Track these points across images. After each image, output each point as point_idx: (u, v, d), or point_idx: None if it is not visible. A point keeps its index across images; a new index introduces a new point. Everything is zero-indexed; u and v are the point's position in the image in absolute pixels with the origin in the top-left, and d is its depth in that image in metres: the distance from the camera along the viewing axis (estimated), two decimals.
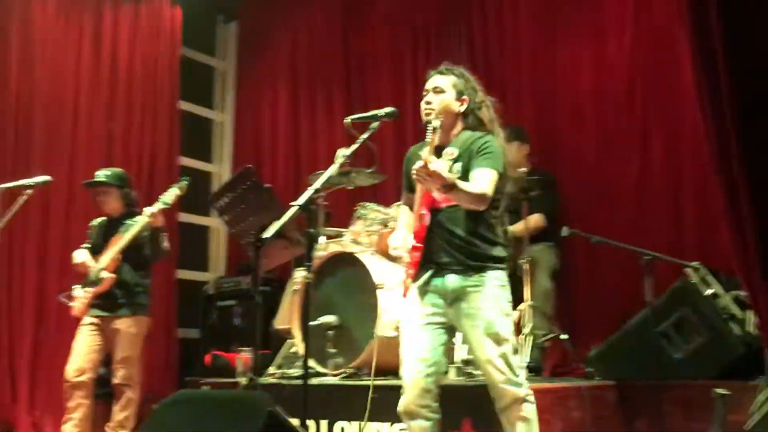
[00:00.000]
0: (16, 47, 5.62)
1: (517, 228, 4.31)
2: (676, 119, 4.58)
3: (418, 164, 2.57)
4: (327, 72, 6.49)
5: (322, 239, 4.67)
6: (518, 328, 4.07)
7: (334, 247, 4.46)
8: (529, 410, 2.87)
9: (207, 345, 6.15)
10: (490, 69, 5.36)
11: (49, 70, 5.78)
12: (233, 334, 6.01)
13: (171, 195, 4.26)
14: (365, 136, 2.85)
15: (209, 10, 7.35)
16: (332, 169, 2.71)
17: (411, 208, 3.03)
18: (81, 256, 4.46)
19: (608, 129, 4.84)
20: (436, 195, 2.83)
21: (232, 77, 7.46)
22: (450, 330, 2.94)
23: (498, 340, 2.81)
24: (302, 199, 2.53)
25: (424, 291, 2.94)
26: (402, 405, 2.94)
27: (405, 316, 2.99)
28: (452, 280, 2.86)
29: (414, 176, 2.64)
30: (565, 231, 4.15)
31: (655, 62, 4.65)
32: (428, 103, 2.95)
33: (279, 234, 2.73)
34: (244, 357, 4.61)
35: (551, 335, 4.21)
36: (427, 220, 2.91)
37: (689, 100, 4.34)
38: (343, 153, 2.79)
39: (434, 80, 3.00)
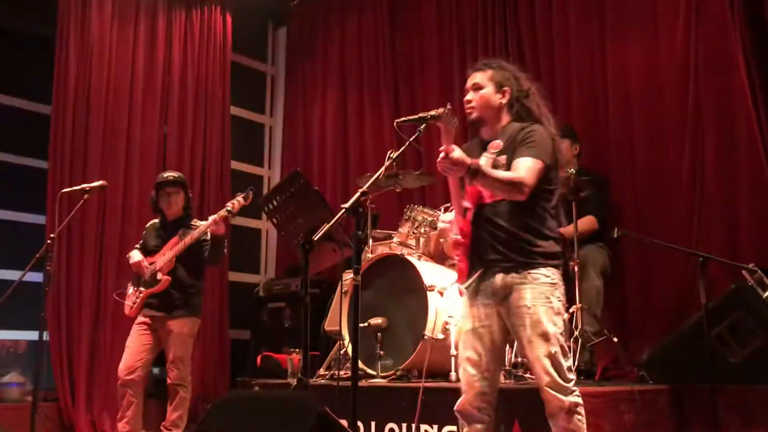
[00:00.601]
0: (74, 54, 5.82)
1: (568, 230, 4.25)
2: (729, 116, 4.45)
3: (440, 157, 2.57)
4: (375, 75, 6.53)
5: (370, 242, 4.72)
6: (569, 331, 4.03)
7: (383, 250, 4.49)
8: (575, 421, 2.75)
9: (258, 346, 6.24)
10: (538, 67, 5.31)
11: (106, 76, 5.97)
12: (283, 335, 6.09)
13: (235, 204, 4.35)
14: (412, 138, 2.85)
15: (260, 17, 7.48)
16: (379, 172, 2.72)
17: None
18: (136, 256, 4.59)
19: (660, 127, 4.74)
20: (480, 188, 2.80)
21: (281, 82, 7.58)
22: (505, 330, 2.87)
23: (546, 340, 2.74)
24: (350, 202, 2.55)
25: (474, 292, 2.91)
26: (458, 405, 2.94)
27: (459, 318, 2.98)
28: (500, 278, 2.82)
29: (439, 168, 2.63)
30: (616, 232, 4.08)
31: (707, 57, 4.52)
32: (468, 101, 2.93)
33: (327, 237, 2.76)
34: (294, 358, 4.68)
35: (602, 337, 4.14)
36: (471, 215, 2.89)
37: (743, 96, 4.25)
38: (391, 155, 2.80)
39: (473, 77, 2.97)
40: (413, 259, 4.09)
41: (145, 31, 6.30)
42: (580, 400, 2.79)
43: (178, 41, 6.50)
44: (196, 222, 4.61)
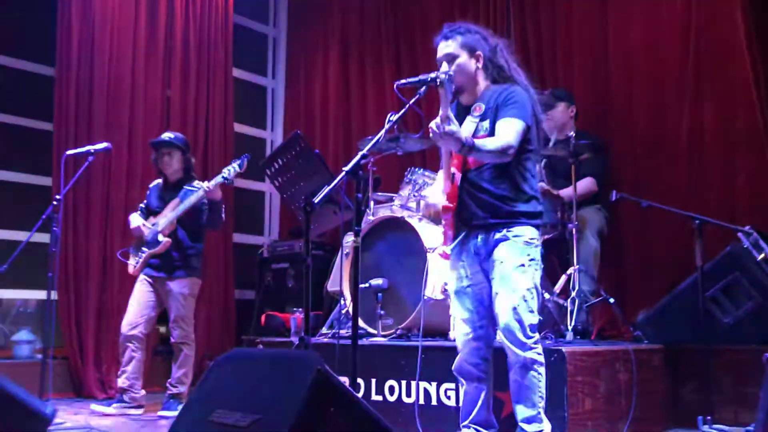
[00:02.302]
0: (76, 15, 5.79)
1: (567, 192, 4.29)
2: (729, 80, 4.47)
3: (432, 123, 2.62)
4: (376, 37, 6.52)
5: (371, 204, 4.77)
6: (566, 292, 4.10)
7: (384, 212, 4.54)
8: (530, 377, 2.83)
9: (262, 306, 6.36)
10: (540, 30, 5.32)
11: (108, 38, 5.95)
12: (287, 295, 6.20)
13: (231, 170, 4.43)
14: (413, 101, 2.88)
15: None
16: (379, 135, 2.76)
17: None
18: (136, 220, 4.67)
19: (660, 91, 4.76)
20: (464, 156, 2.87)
21: (283, 44, 7.55)
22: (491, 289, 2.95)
23: (512, 293, 2.81)
24: (350, 165, 2.60)
25: (459, 253, 3.00)
26: (455, 364, 3.04)
27: (449, 279, 3.06)
28: (482, 238, 2.92)
29: (429, 134, 2.69)
30: (614, 195, 4.13)
31: (708, 19, 4.53)
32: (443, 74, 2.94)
33: (328, 199, 2.82)
34: (297, 317, 4.78)
35: (599, 298, 4.22)
36: (458, 180, 2.95)
37: (742, 61, 4.26)
38: (391, 118, 2.84)
39: (443, 48, 3.00)
40: (413, 222, 4.15)
41: None
42: (540, 357, 2.87)
43: (180, 2, 6.48)
44: (197, 183, 4.66)
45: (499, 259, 2.87)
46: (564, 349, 3.38)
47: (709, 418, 3.52)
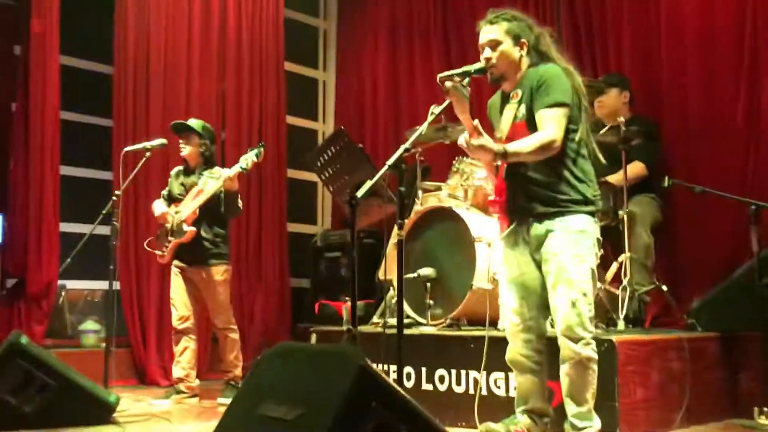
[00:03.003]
0: (132, 15, 5.97)
1: (616, 178, 4.23)
2: None
3: (461, 138, 2.61)
4: (425, 27, 6.52)
5: (419, 194, 4.80)
6: (618, 280, 4.06)
7: (432, 201, 4.57)
8: (585, 375, 2.79)
9: (316, 294, 6.48)
10: (590, 15, 5.24)
11: (163, 35, 6.12)
12: (340, 284, 6.29)
13: (248, 160, 4.45)
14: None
15: None
16: (423, 127, 2.78)
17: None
18: (160, 207, 4.74)
19: (714, 71, 4.62)
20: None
21: (333, 36, 7.62)
22: (543, 278, 2.93)
23: (569, 286, 2.77)
24: (392, 159, 2.63)
25: (511, 242, 2.99)
26: (507, 355, 3.05)
27: (500, 269, 3.07)
28: (534, 227, 2.89)
29: (463, 148, 2.67)
30: (666, 181, 4.06)
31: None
32: (488, 59, 2.91)
33: (373, 192, 2.87)
34: (349, 306, 4.85)
35: (651, 287, 4.15)
36: (503, 170, 2.93)
37: None
38: (434, 110, 2.85)
39: (486, 33, 2.95)
40: (461, 211, 4.17)
41: None
42: (594, 355, 2.83)
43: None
44: (217, 170, 4.66)
45: (554, 251, 2.83)
46: (615, 338, 3.36)
47: (766, 409, 3.45)
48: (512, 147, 2.74)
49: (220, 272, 4.67)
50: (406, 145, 2.68)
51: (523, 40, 2.95)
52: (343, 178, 2.86)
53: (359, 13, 7.23)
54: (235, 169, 4.47)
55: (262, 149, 4.54)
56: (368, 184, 2.51)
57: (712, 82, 4.66)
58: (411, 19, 6.67)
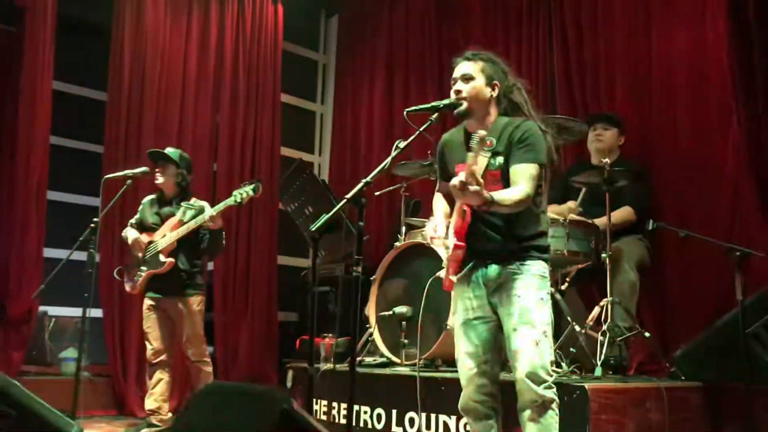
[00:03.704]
0: (128, 43, 6.01)
1: (601, 221, 4.14)
2: None
3: (457, 180, 2.53)
4: (420, 62, 6.52)
5: (402, 230, 4.73)
6: (599, 324, 3.94)
7: (416, 238, 4.49)
8: (547, 417, 2.71)
9: (304, 329, 6.36)
10: (582, 55, 5.20)
11: (159, 64, 6.16)
12: (328, 318, 6.18)
13: (243, 195, 4.35)
14: (423, 128, 2.84)
15: (312, 6, 7.55)
16: (386, 163, 2.72)
17: (446, 196, 3.01)
18: (133, 234, 4.65)
19: (705, 117, 4.54)
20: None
21: (332, 70, 7.63)
22: (499, 321, 2.84)
23: (532, 328, 2.72)
24: (351, 193, 2.56)
25: (466, 284, 2.91)
26: (461, 401, 2.94)
27: (454, 311, 2.97)
28: (495, 269, 2.82)
29: (453, 189, 2.59)
30: (651, 224, 3.96)
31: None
32: (458, 92, 2.87)
33: (337, 226, 2.80)
34: (326, 342, 4.75)
35: (633, 332, 4.03)
36: (469, 217, 2.85)
37: None
38: (399, 145, 2.79)
39: (462, 67, 2.91)
40: (439, 249, 4.06)
41: (197, 20, 6.47)
42: (556, 398, 2.74)
43: (230, 30, 6.65)
44: (193, 201, 4.60)
45: (517, 294, 2.76)
46: (587, 385, 3.24)
47: None
48: (498, 196, 2.67)
49: (196, 302, 4.59)
50: (368, 179, 2.61)
51: (495, 82, 2.90)
52: (307, 210, 2.79)
53: (358, 47, 7.26)
54: (219, 208, 4.38)
55: (259, 185, 4.42)
56: (324, 217, 2.42)
57: (702, 130, 4.59)
58: (408, 55, 6.69)
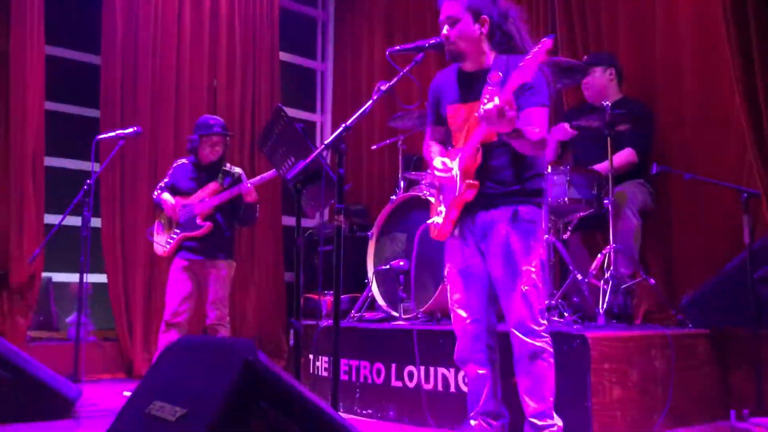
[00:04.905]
0: (120, 6, 5.87)
1: (603, 166, 4.00)
2: None
3: (492, 105, 2.39)
4: (421, 14, 6.33)
5: (402, 184, 4.63)
6: (601, 272, 3.84)
7: (411, 192, 4.38)
8: (541, 368, 2.64)
9: (311, 288, 6.32)
10: None
11: (153, 25, 6.02)
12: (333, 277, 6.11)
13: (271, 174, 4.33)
14: (407, 68, 2.72)
15: None
16: (366, 106, 2.60)
17: (441, 142, 2.89)
18: (169, 198, 4.60)
19: (711, 60, 4.33)
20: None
21: (331, 26, 7.46)
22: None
23: (519, 277, 2.62)
24: (330, 138, 2.46)
25: (458, 231, 2.81)
26: (456, 353, 2.86)
27: (448, 261, 2.88)
28: (481, 215, 2.72)
29: (481, 114, 2.45)
30: (654, 168, 3.81)
31: None
32: (446, 37, 2.74)
33: (319, 176, 2.70)
34: (327, 300, 4.69)
35: (637, 280, 3.91)
36: (481, 156, 2.72)
37: None
38: (381, 87, 2.67)
39: (445, 8, 2.77)
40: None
41: None
42: (549, 347, 2.66)
43: None
44: (231, 167, 4.62)
45: (504, 240, 2.67)
46: (587, 334, 3.15)
47: (746, 411, 3.20)
48: (524, 131, 2.54)
49: (226, 268, 4.59)
50: (347, 123, 2.51)
51: (484, 16, 2.75)
52: (288, 160, 2.69)
53: (357, 3, 7.07)
54: (256, 181, 4.41)
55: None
56: (300, 164, 2.33)
57: (710, 69, 4.38)
58: (407, 9, 6.51)
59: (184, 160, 4.74)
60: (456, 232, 2.79)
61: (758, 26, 3.64)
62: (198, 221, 4.51)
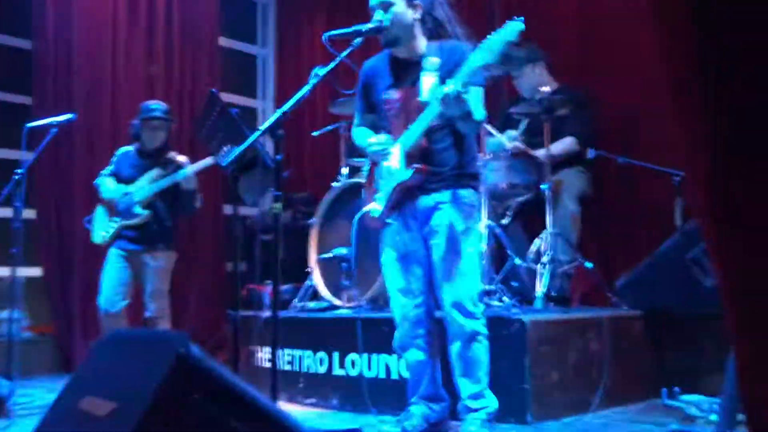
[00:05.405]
0: None
1: (541, 152, 4.05)
2: None
3: (451, 87, 2.42)
4: (364, 4, 6.28)
5: (344, 171, 4.61)
6: (539, 256, 3.89)
7: (354, 179, 4.37)
8: (476, 350, 2.68)
9: (252, 278, 6.25)
10: None
11: (86, 10, 5.82)
12: (275, 267, 6.06)
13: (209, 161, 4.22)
14: (344, 53, 2.69)
15: None
16: (304, 90, 2.57)
17: (371, 128, 2.90)
18: (108, 184, 4.48)
19: (649, 47, 4.42)
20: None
21: (272, 10, 7.36)
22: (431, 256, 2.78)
23: (459, 259, 2.66)
24: (267, 123, 2.43)
25: (397, 217, 2.82)
26: (395, 339, 2.88)
27: (386, 246, 2.88)
28: (422, 199, 2.73)
29: (441, 98, 2.47)
30: (591, 153, 3.89)
31: None
32: (380, 22, 2.75)
33: (256, 163, 2.67)
34: (269, 291, 4.65)
35: (574, 263, 3.99)
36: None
37: None
38: (318, 72, 2.64)
39: None
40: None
41: None
42: (484, 329, 2.70)
43: None
44: (174, 155, 4.50)
45: (444, 224, 2.69)
46: (525, 317, 3.19)
47: (677, 389, 3.30)
48: (472, 110, 2.55)
49: (166, 258, 4.49)
50: (283, 108, 2.48)
51: (416, 2, 2.76)
52: (225, 146, 2.65)
53: None
54: (196, 167, 4.29)
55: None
56: (236, 151, 2.29)
57: (647, 54, 4.46)
58: None
59: (129, 148, 4.61)
60: (395, 216, 2.79)
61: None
62: (137, 209, 4.40)
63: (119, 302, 4.42)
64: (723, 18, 1.73)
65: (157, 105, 4.59)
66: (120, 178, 4.54)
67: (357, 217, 2.97)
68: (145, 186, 4.42)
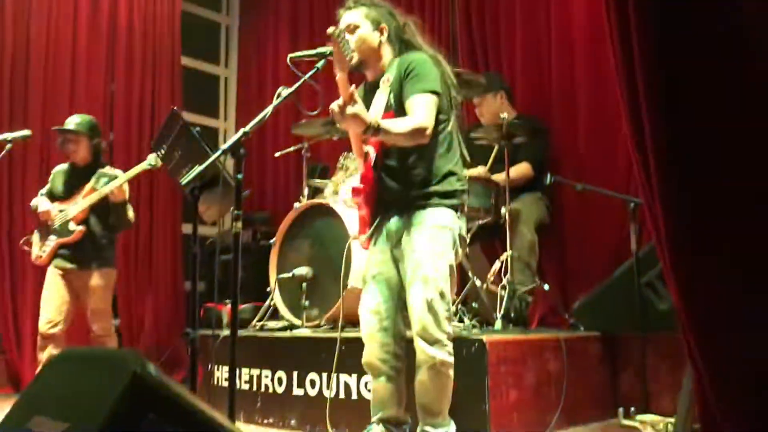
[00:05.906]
0: (10, 2, 5.59)
1: (500, 177, 4.11)
2: None
3: (335, 104, 2.44)
4: (326, 22, 6.30)
5: (305, 191, 4.62)
6: (498, 279, 3.94)
7: (315, 199, 4.37)
8: (440, 380, 2.63)
9: (211, 297, 6.18)
10: (483, 17, 5.16)
11: (46, 26, 5.77)
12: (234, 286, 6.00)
13: (141, 167, 4.15)
14: (308, 75, 2.70)
15: None
16: (266, 112, 2.57)
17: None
18: (44, 204, 4.38)
19: (603, 75, 4.53)
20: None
21: (236, 31, 7.37)
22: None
23: (425, 284, 2.60)
24: (228, 143, 2.42)
25: (375, 238, 2.82)
26: (364, 358, 2.85)
27: (366, 265, 2.88)
28: (395, 221, 2.74)
29: (332, 114, 2.50)
30: (548, 179, 3.96)
31: None
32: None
33: (217, 182, 2.66)
34: (228, 310, 4.60)
35: (532, 285, 4.05)
36: (371, 159, 2.76)
37: None
38: (282, 91, 2.64)
39: (345, 18, 2.82)
40: (339, 208, 3.98)
41: None
42: (450, 359, 2.65)
43: None
44: (108, 169, 4.39)
45: (412, 247, 2.65)
46: (485, 338, 3.22)
47: (632, 409, 3.36)
48: (385, 123, 2.55)
49: (105, 276, 4.35)
50: (245, 129, 2.47)
51: (382, 25, 2.80)
52: (186, 166, 2.63)
53: (262, 9, 7.01)
54: (124, 177, 4.18)
55: (158, 158, 4.16)
56: (196, 170, 2.28)
57: (600, 88, 4.58)
58: (312, 14, 6.51)
59: (63, 165, 4.52)
60: (374, 235, 2.79)
61: (639, 42, 3.83)
62: (71, 226, 4.29)
63: (60, 323, 4.29)
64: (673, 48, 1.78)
65: (73, 117, 4.49)
66: (55, 196, 4.45)
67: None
68: (78, 201, 4.32)
